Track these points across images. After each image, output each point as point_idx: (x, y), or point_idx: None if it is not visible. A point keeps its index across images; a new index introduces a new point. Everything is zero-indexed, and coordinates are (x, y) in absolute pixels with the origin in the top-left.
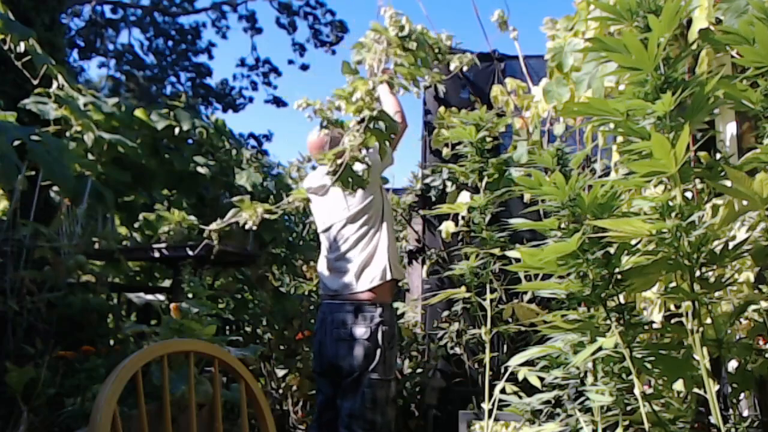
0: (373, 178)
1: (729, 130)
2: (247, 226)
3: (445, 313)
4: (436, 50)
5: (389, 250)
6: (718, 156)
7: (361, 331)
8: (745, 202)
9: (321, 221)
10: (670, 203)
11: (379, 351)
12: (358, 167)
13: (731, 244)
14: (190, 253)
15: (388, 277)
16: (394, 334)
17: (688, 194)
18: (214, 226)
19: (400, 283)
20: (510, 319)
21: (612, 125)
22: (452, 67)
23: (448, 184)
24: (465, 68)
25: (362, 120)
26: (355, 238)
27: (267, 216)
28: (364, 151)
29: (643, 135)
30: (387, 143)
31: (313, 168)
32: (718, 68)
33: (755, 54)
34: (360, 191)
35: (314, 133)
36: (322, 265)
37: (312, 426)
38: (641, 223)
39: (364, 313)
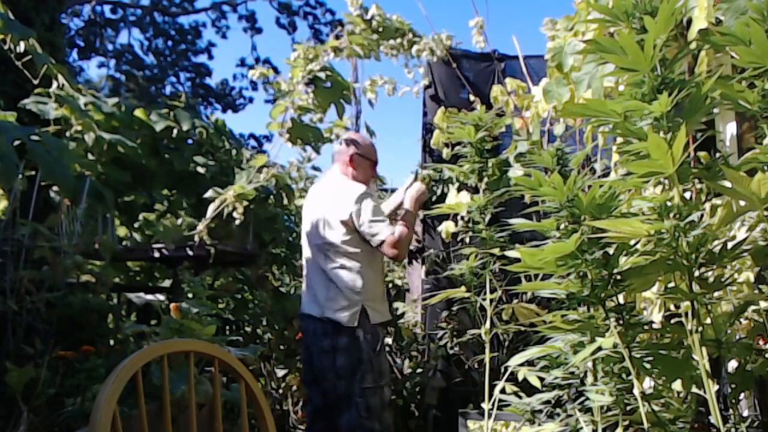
0: (352, 228)
1: (729, 130)
2: (237, 221)
3: (445, 313)
4: (410, 35)
5: (370, 293)
6: (718, 156)
7: (343, 341)
8: (743, 203)
9: (305, 233)
10: (668, 203)
11: (364, 359)
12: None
13: (730, 244)
14: (190, 253)
15: (356, 324)
16: (379, 339)
17: (688, 194)
18: (200, 226)
19: (400, 283)
20: (510, 319)
21: (610, 126)
22: (413, 49)
23: (446, 185)
24: (430, 57)
25: (309, 81)
26: (327, 270)
27: (240, 195)
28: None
29: (640, 136)
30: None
31: (316, 169)
32: (718, 68)
33: (752, 55)
34: (339, 232)
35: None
36: (304, 282)
37: None
38: (639, 223)
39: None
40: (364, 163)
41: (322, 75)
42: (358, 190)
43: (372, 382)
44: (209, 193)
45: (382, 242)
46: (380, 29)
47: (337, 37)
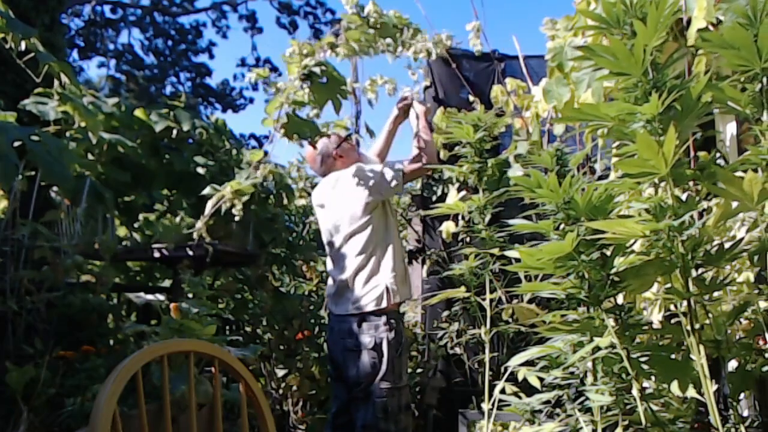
0: (372, 200)
1: (729, 130)
2: (236, 218)
3: (445, 313)
4: (411, 31)
5: (392, 273)
6: (717, 156)
7: (366, 340)
8: (736, 203)
9: (324, 235)
10: (663, 204)
11: (385, 360)
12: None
13: (728, 245)
14: (190, 253)
15: (384, 304)
16: (402, 341)
17: (687, 195)
18: (199, 224)
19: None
20: (510, 320)
21: (605, 129)
22: (410, 51)
23: (445, 185)
24: (428, 55)
25: (305, 77)
26: (351, 259)
27: (236, 192)
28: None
29: (633, 138)
30: (395, 172)
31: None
32: (717, 69)
33: (739, 58)
34: (355, 213)
35: (307, 147)
36: (328, 281)
37: (326, 427)
38: (634, 224)
39: (369, 321)
40: (345, 147)
41: (317, 70)
42: (350, 171)
43: (392, 383)
44: (207, 190)
45: (402, 174)
46: (378, 26)
47: (336, 35)
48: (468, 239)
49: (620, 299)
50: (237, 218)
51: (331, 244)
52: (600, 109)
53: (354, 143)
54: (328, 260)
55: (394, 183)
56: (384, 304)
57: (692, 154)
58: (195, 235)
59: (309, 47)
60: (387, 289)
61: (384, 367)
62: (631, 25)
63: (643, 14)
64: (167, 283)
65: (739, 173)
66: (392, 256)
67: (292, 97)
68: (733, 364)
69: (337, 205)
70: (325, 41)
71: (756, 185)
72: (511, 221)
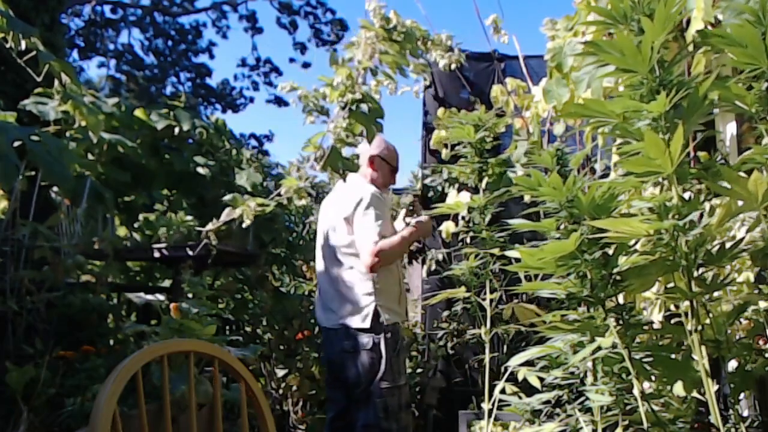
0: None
1: (729, 130)
2: (244, 225)
3: (445, 313)
4: (428, 43)
5: (383, 295)
6: (719, 157)
7: (364, 341)
8: (741, 203)
9: (318, 239)
10: (667, 204)
11: (384, 360)
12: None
13: (729, 245)
14: (190, 253)
15: (368, 324)
16: (398, 340)
17: (688, 195)
18: (210, 226)
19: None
20: (510, 320)
21: (610, 127)
22: (441, 64)
23: (448, 184)
24: (453, 66)
25: (345, 106)
26: (337, 274)
27: (259, 209)
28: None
29: (637, 137)
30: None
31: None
32: (718, 68)
33: (747, 56)
34: (344, 232)
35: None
36: (318, 291)
37: (325, 428)
38: (638, 223)
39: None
40: (384, 167)
41: (364, 107)
42: (368, 191)
43: (391, 382)
44: (228, 197)
45: (377, 249)
46: (400, 38)
47: (338, 36)
48: (468, 239)
49: (620, 299)
50: (244, 226)
51: (324, 256)
52: (605, 106)
53: (395, 176)
54: (318, 270)
55: (355, 231)
56: (368, 324)
57: (692, 153)
58: (202, 236)
59: (351, 74)
60: (377, 311)
61: (383, 366)
62: (638, 22)
63: (650, 11)
64: (167, 283)
65: (741, 173)
66: (385, 277)
67: (339, 134)
68: (733, 364)
69: (334, 215)
70: (362, 66)
71: (761, 185)
72: (511, 221)
